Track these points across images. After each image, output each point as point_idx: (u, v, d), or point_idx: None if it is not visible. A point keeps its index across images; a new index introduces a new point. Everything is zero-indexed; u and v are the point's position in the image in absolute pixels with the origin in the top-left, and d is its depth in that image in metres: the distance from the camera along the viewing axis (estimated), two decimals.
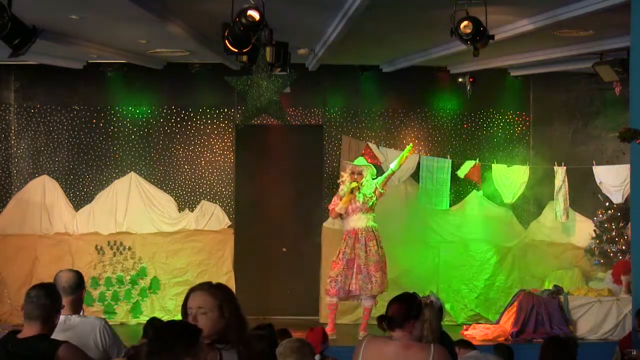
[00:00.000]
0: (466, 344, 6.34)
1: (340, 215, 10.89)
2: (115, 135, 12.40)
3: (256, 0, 7.52)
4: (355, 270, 10.66)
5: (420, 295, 5.53)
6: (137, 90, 12.39)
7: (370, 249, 10.69)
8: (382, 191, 10.88)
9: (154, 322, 5.40)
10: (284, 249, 12.59)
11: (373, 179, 10.93)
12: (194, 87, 12.37)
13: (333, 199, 11.01)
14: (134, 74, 12.12)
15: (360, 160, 11.19)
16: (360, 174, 10.87)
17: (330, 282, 10.71)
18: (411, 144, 11.58)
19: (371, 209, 10.84)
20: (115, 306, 12.06)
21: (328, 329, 10.17)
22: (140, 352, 3.46)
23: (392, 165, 11.13)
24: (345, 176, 10.92)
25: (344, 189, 10.85)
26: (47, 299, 4.37)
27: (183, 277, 12.05)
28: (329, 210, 11.12)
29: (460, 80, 12.11)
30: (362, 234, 10.73)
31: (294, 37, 9.51)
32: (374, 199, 10.81)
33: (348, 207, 10.76)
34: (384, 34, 10.04)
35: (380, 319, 4.46)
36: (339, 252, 10.77)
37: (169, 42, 10.46)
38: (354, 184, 10.74)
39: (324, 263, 12.19)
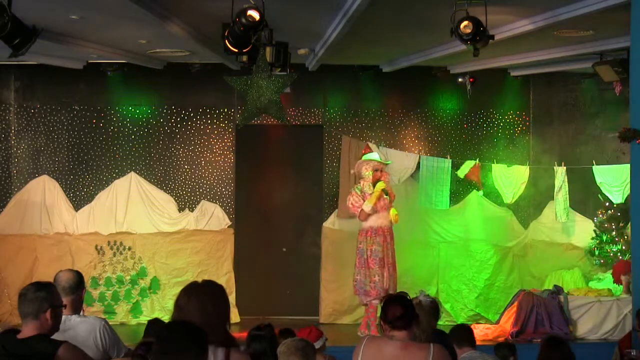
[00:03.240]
0: (468, 341, 6.01)
1: (368, 215, 10.71)
2: (115, 135, 12.40)
3: (256, 0, 7.52)
4: (387, 268, 10.62)
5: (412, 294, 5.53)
6: (137, 90, 12.39)
7: (391, 247, 10.70)
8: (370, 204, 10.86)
9: (157, 322, 5.40)
10: (284, 249, 12.58)
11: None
12: (194, 87, 12.37)
13: (352, 199, 10.81)
14: (134, 74, 12.11)
15: (375, 156, 11.12)
16: (382, 170, 10.84)
17: (370, 282, 10.55)
18: (383, 185, 10.82)
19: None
20: (115, 306, 12.05)
21: (373, 331, 10.16)
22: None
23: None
24: (367, 174, 10.80)
25: (364, 187, 10.71)
26: (36, 293, 4.32)
27: (183, 277, 12.03)
28: (355, 213, 10.81)
29: (460, 80, 12.11)
30: (387, 232, 10.70)
31: (294, 37, 9.51)
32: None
33: (377, 204, 10.68)
34: (384, 34, 10.03)
35: (387, 320, 4.43)
36: (367, 251, 10.63)
37: (169, 42, 10.46)
38: (382, 184, 10.70)
39: (324, 263, 12.19)
